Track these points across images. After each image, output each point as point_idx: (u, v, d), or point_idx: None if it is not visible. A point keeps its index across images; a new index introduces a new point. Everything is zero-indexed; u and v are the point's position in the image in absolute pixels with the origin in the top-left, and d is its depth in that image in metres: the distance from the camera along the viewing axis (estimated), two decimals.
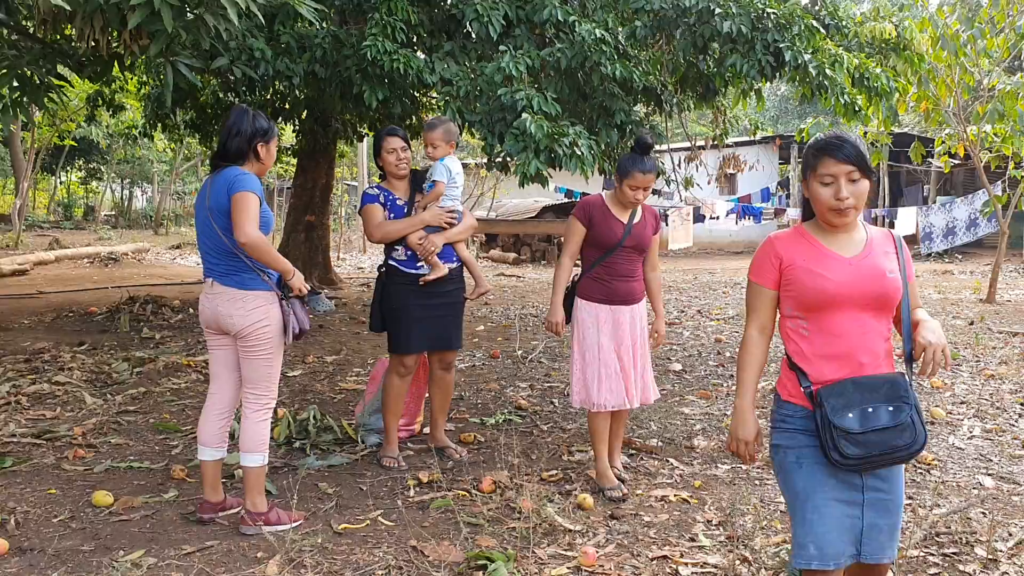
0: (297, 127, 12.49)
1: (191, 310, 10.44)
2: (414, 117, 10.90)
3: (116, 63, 6.64)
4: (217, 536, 3.87)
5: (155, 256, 20.59)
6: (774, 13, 6.27)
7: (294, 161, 15.60)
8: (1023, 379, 7.24)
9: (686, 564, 3.65)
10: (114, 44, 5.51)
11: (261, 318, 3.89)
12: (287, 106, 11.16)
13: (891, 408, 2.40)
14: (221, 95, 11.37)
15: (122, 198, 39.40)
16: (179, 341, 8.41)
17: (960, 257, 23.00)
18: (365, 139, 14.37)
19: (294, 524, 4.00)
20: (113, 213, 36.51)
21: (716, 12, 6.14)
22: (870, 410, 2.39)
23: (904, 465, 2.56)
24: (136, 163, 33.39)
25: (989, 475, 4.85)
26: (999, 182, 16.96)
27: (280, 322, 3.94)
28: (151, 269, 16.99)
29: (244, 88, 8.03)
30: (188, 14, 4.91)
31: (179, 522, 4.04)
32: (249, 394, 4.02)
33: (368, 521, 4.07)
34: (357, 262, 20.47)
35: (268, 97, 10.94)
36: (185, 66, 5.52)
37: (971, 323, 10.58)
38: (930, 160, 17.93)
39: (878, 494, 2.50)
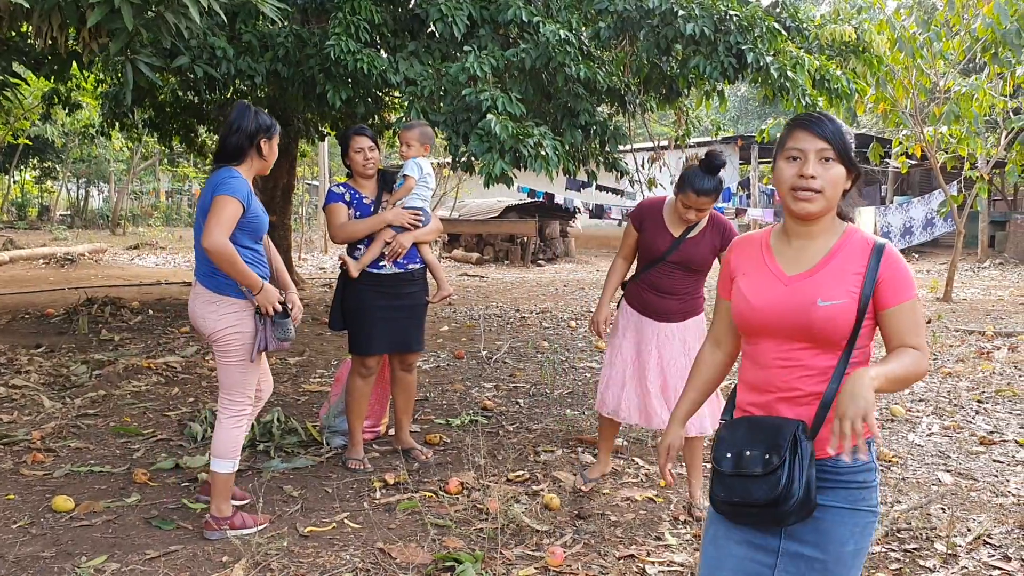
0: None
1: (151, 311, 10.31)
2: (376, 117, 10.85)
3: (74, 61, 6.53)
4: (181, 540, 3.82)
5: (113, 257, 20.27)
6: (736, 15, 6.32)
7: None
8: (979, 377, 7.38)
9: (653, 563, 3.67)
10: (72, 42, 5.42)
11: (232, 324, 3.82)
12: None
13: (767, 456, 2.00)
14: (180, 94, 11.23)
15: (78, 198, 38.76)
16: (139, 343, 8.29)
17: (917, 256, 23.37)
18: (327, 138, 14.28)
19: (259, 527, 3.97)
20: (69, 213, 35.87)
21: (679, 14, 6.19)
22: (747, 454, 2.04)
23: (853, 525, 2.06)
24: (92, 162, 32.85)
25: (948, 471, 4.94)
26: (955, 182, 17.26)
27: (253, 333, 3.86)
28: (109, 270, 16.73)
29: (204, 87, 7.94)
30: (148, 12, 4.84)
31: (142, 527, 3.98)
32: (224, 399, 3.95)
33: (334, 523, 4.05)
34: (319, 262, 20.32)
35: (229, 96, 10.82)
36: (145, 65, 5.43)
37: (928, 321, 10.76)
38: (888, 160, 18.19)
39: (800, 547, 2.08)
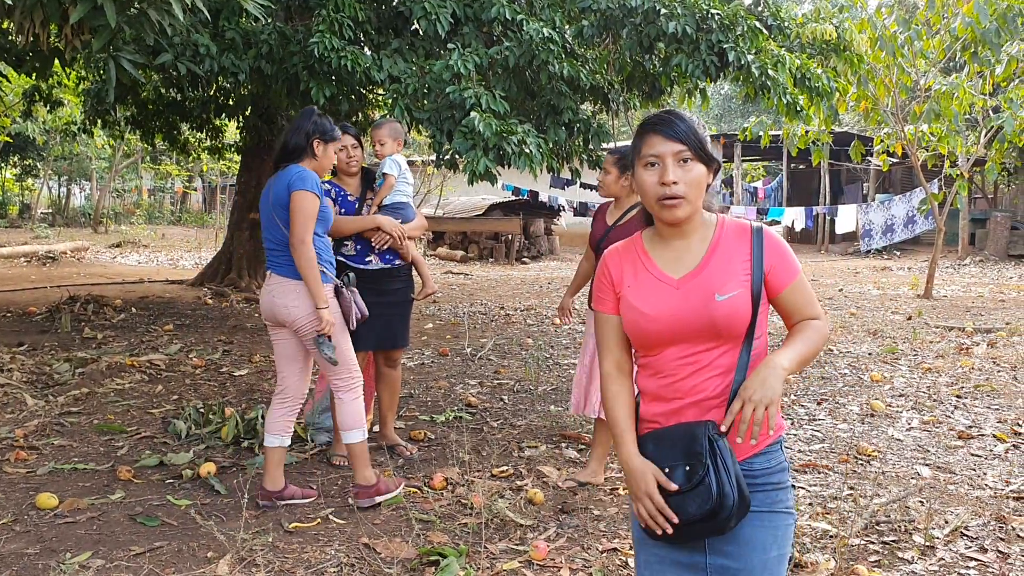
0: (241, 124, 12.35)
1: (134, 310, 10.28)
2: (360, 114, 10.85)
3: (57, 58, 6.50)
4: (166, 537, 3.83)
5: (95, 255, 20.17)
6: (718, 14, 6.36)
7: (238, 158, 15.42)
8: (959, 372, 7.46)
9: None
10: (55, 39, 5.40)
11: (314, 308, 4.01)
12: (231, 102, 11.03)
13: (687, 467, 1.91)
14: (163, 91, 11.20)
15: (59, 196, 38.50)
16: (122, 341, 8.27)
17: (898, 253, 23.58)
18: None
19: (400, 490, 4.26)
20: (50, 211, 35.59)
21: (662, 12, 6.22)
22: (667, 471, 1.93)
23: (773, 529, 2.00)
24: (74, 160, 32.64)
25: (927, 465, 5.00)
26: (935, 180, 17.41)
27: (338, 311, 4.12)
28: (91, 268, 16.64)
29: (188, 84, 7.92)
30: (131, 9, 4.83)
31: (126, 523, 3.98)
32: (334, 380, 4.18)
33: (319, 519, 4.06)
34: None
35: (212, 93, 10.80)
36: (128, 61, 5.42)
37: (909, 318, 10.86)
38: (869, 159, 18.32)
39: (725, 559, 1.99)
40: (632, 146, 2.07)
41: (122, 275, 14.95)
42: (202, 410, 5.64)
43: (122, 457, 4.93)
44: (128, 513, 4.10)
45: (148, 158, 32.32)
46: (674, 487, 1.92)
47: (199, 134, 13.62)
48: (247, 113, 11.51)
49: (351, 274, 4.35)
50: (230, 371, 7.16)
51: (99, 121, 11.65)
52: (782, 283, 2.00)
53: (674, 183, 1.95)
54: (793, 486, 4.48)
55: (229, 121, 12.57)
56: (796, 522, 2.08)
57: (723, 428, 1.89)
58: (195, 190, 41.09)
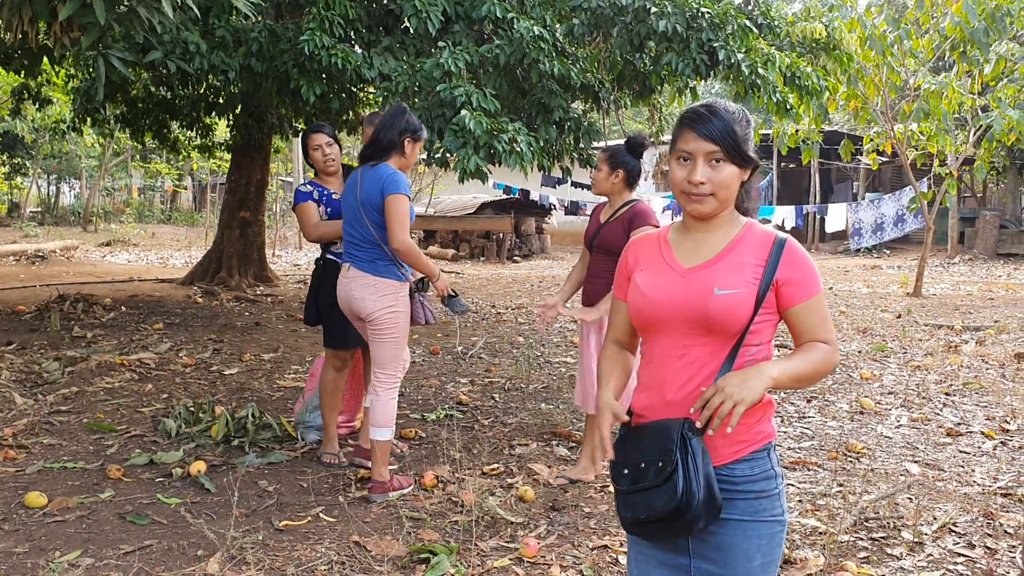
0: (231, 122, 12.33)
1: (123, 308, 10.25)
2: (351, 112, 10.84)
3: (45, 56, 6.48)
4: (156, 535, 3.82)
5: (84, 254, 20.10)
6: (708, 12, 6.37)
7: (228, 156, 15.40)
8: (948, 370, 7.49)
9: (626, 553, 3.71)
10: (43, 36, 5.37)
11: (390, 304, 4.25)
12: (221, 100, 11.00)
13: (660, 464, 1.89)
14: (153, 89, 11.16)
15: (49, 194, 38.36)
16: (111, 340, 8.24)
17: (888, 252, 23.66)
18: (301, 134, 14.22)
19: (410, 488, 4.38)
20: (39, 210, 35.46)
21: (652, 11, 6.23)
22: (642, 466, 1.92)
23: (757, 538, 1.97)
24: (63, 158, 32.52)
25: (915, 462, 5.02)
26: (924, 179, 17.48)
27: (408, 309, 4.35)
28: (80, 267, 16.58)
29: (178, 82, 7.90)
30: (121, 6, 4.81)
31: (116, 522, 3.97)
32: (379, 373, 4.32)
33: (309, 517, 4.06)
34: (293, 259, 20.26)
35: (202, 91, 10.77)
36: (118, 59, 5.39)
37: (899, 316, 10.91)
38: (859, 157, 18.39)
39: (708, 565, 1.99)
40: (671, 135, 2.05)
41: (112, 274, 14.91)
42: (192, 408, 5.63)
43: (112, 456, 4.92)
44: (118, 512, 4.09)
45: (138, 156, 32.19)
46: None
47: (189, 132, 13.59)
48: (237, 111, 11.49)
49: (425, 279, 4.51)
50: (220, 370, 7.14)
51: (88, 119, 11.61)
52: (795, 298, 1.97)
53: (701, 183, 1.94)
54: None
55: (219, 119, 12.55)
56: (786, 528, 2.01)
57: (691, 410, 1.88)
58: (185, 189, 40.97)
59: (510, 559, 3.62)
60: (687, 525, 1.88)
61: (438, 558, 3.54)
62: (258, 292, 12.46)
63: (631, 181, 4.50)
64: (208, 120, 12.65)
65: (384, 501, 4.26)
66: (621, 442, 2.04)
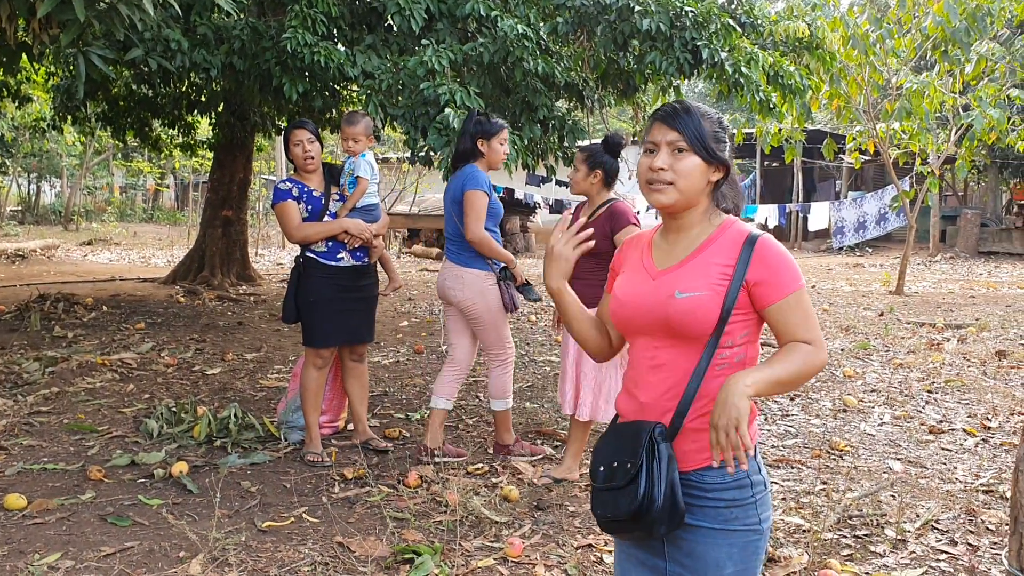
0: (214, 120, 12.26)
1: (105, 308, 10.17)
2: (334, 110, 10.79)
3: (24, 54, 6.41)
4: (137, 537, 3.79)
5: (65, 253, 19.95)
6: (692, 11, 6.38)
7: (210, 155, 15.31)
8: (929, 368, 7.53)
9: (610, 552, 3.71)
10: (22, 33, 5.31)
11: (476, 292, 4.68)
12: (203, 98, 10.94)
13: (628, 464, 1.90)
14: (134, 87, 11.08)
15: (29, 193, 38.01)
16: (93, 340, 8.18)
17: (870, 250, 23.79)
18: (283, 130, 14.16)
19: (537, 456, 4.94)
20: (20, 208, 35.14)
21: (636, 10, 6.22)
22: (615, 465, 1.94)
23: (728, 547, 1.94)
24: (44, 157, 32.22)
25: (898, 459, 5.05)
26: (907, 178, 17.57)
27: (498, 297, 4.72)
28: (62, 266, 16.45)
29: (159, 80, 7.84)
30: (101, 3, 4.76)
31: (97, 523, 3.93)
32: (489, 354, 4.90)
33: (292, 518, 4.04)
34: (276, 258, 20.17)
35: (184, 89, 10.70)
36: (98, 57, 5.34)
37: (881, 314, 10.97)
38: (841, 156, 18.47)
39: (682, 570, 1.98)
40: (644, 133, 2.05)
41: (93, 273, 14.79)
42: (174, 409, 5.59)
43: (93, 457, 4.88)
44: (99, 513, 4.06)
45: (119, 155, 31.96)
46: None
47: (171, 131, 13.51)
48: (220, 109, 11.42)
49: (507, 269, 4.78)
50: (202, 370, 7.10)
51: (69, 117, 11.51)
52: (769, 298, 1.91)
53: (661, 169, 1.94)
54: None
55: (201, 118, 12.48)
56: (765, 536, 1.98)
57: (714, 464, 1.84)
58: (167, 187, 40.72)
59: (494, 559, 3.61)
60: (647, 529, 1.89)
61: (422, 558, 3.52)
62: (241, 291, 12.40)
63: (609, 181, 4.51)
64: (190, 118, 12.58)
65: (509, 460, 4.89)
66: (602, 440, 2.05)
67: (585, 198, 4.61)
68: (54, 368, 6.84)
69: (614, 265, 2.18)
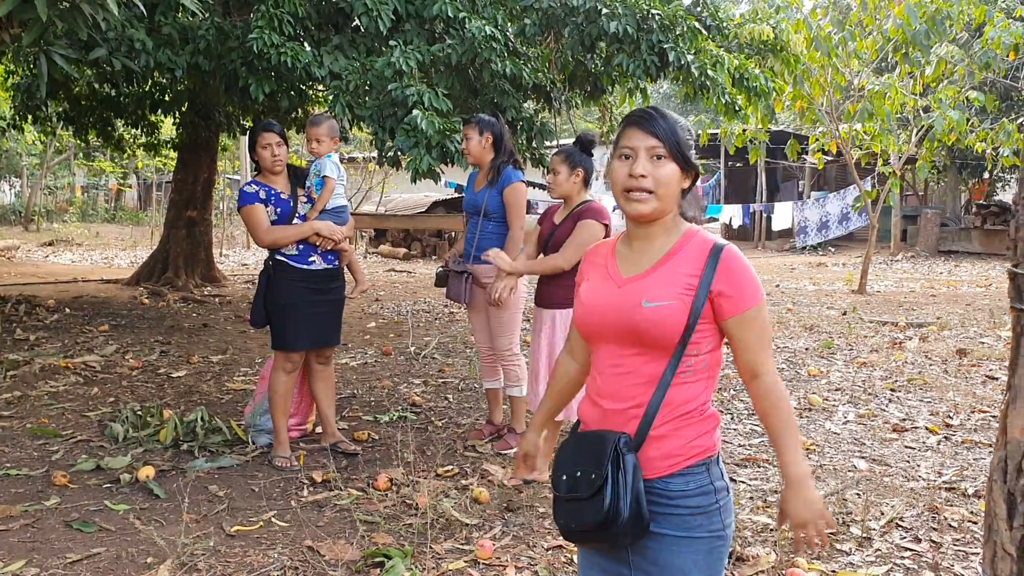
0: (178, 120, 12.13)
1: (68, 310, 10.03)
2: (299, 110, 10.73)
3: None
4: (103, 543, 3.74)
5: (26, 254, 19.63)
6: (659, 14, 6.42)
7: (174, 155, 15.14)
8: (892, 366, 7.64)
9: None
10: None
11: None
12: (167, 98, 10.82)
13: (593, 475, 1.90)
14: (97, 86, 10.93)
15: None
16: (55, 343, 8.06)
17: (833, 249, 24.07)
18: (249, 131, 14.03)
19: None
20: None
21: (603, 12, 6.26)
22: (578, 474, 1.94)
23: (692, 554, 1.94)
24: (3, 156, 31.69)
25: (862, 458, 5.11)
26: (868, 178, 17.81)
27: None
28: (22, 267, 16.18)
29: (123, 80, 7.75)
30: (63, 2, 4.70)
31: (62, 530, 3.88)
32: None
33: (261, 522, 4.01)
34: (240, 259, 20.00)
35: (147, 89, 10.58)
36: (60, 56, 5.27)
37: (844, 313, 11.10)
38: (804, 157, 18.68)
39: None
40: (614, 139, 2.04)
41: (55, 274, 14.57)
42: (139, 412, 5.53)
43: (57, 462, 4.81)
44: (64, 519, 4.00)
45: (81, 155, 31.50)
46: (543, 478, 2.11)
47: (134, 130, 13.34)
48: (184, 109, 11.30)
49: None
50: (168, 372, 7.03)
51: (30, 117, 11.32)
52: (729, 311, 1.93)
53: (642, 176, 1.93)
54: (733, 481, 4.55)
55: (165, 117, 12.34)
56: (728, 541, 2.00)
57: (801, 559, 1.88)
58: (130, 187, 40.22)
59: (465, 561, 3.62)
60: (613, 538, 1.91)
61: (392, 562, 3.52)
62: (205, 293, 12.29)
63: (588, 180, 4.54)
64: (154, 118, 12.44)
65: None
66: (564, 448, 2.05)
67: (561, 201, 4.63)
68: (16, 372, 6.73)
69: (580, 274, 2.17)
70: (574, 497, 1.93)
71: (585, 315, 2.04)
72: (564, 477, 1.97)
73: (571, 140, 4.85)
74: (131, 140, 14.63)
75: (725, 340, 2.01)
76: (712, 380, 2.00)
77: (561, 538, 3.83)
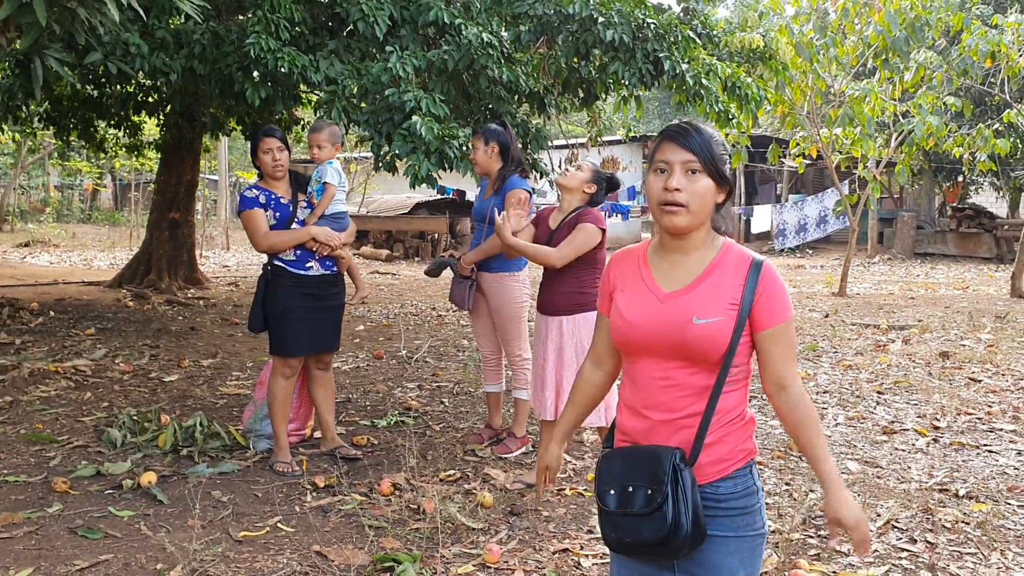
0: (161, 121, 12.06)
1: (52, 313, 9.96)
2: (285, 113, 10.70)
3: None
4: (111, 549, 3.75)
5: (2, 255, 19.42)
6: (654, 23, 6.48)
7: (154, 155, 15.06)
8: (878, 369, 7.76)
9: (587, 556, 3.78)
10: None
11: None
12: (151, 99, 10.75)
13: (649, 491, 1.94)
14: (79, 87, 10.84)
15: None
16: (43, 346, 8.01)
17: (811, 252, 24.28)
18: (250, 135, 13.95)
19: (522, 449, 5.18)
20: None
21: (599, 21, 6.31)
22: (630, 489, 1.97)
23: (739, 553, 2.02)
24: None
25: (855, 460, 5.20)
26: (846, 182, 18.01)
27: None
28: (0, 269, 16.02)
29: (116, 81, 7.71)
30: (56, 6, 4.67)
31: (67, 537, 3.88)
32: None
33: (268, 528, 4.03)
34: (221, 260, 19.90)
35: (131, 90, 10.51)
36: (55, 60, 5.25)
37: (826, 316, 11.23)
38: (783, 160, 18.86)
39: None
40: (650, 153, 2.07)
41: (34, 276, 14.43)
42: (136, 418, 5.51)
43: (56, 468, 4.80)
44: (68, 526, 4.00)
45: (56, 154, 31.16)
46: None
47: (116, 131, 13.24)
48: (168, 111, 11.23)
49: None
50: (159, 376, 7.01)
51: (9, 117, 11.20)
52: (764, 323, 1.99)
53: (676, 190, 1.96)
54: None
55: (149, 118, 12.26)
56: (765, 538, 2.08)
57: (853, 558, 1.96)
58: (105, 187, 39.83)
59: (474, 565, 3.66)
60: (673, 552, 1.96)
61: (403, 566, 3.55)
62: (189, 295, 12.24)
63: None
64: (137, 119, 12.36)
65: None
66: (606, 461, 2.09)
67: (554, 204, 4.71)
68: (4, 376, 6.69)
69: (608, 283, 2.19)
70: (627, 513, 1.97)
71: (627, 329, 2.06)
72: (612, 492, 2.01)
73: (561, 144, 4.93)
74: (113, 141, 14.52)
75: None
76: (748, 386, 2.08)
77: (566, 541, 3.90)
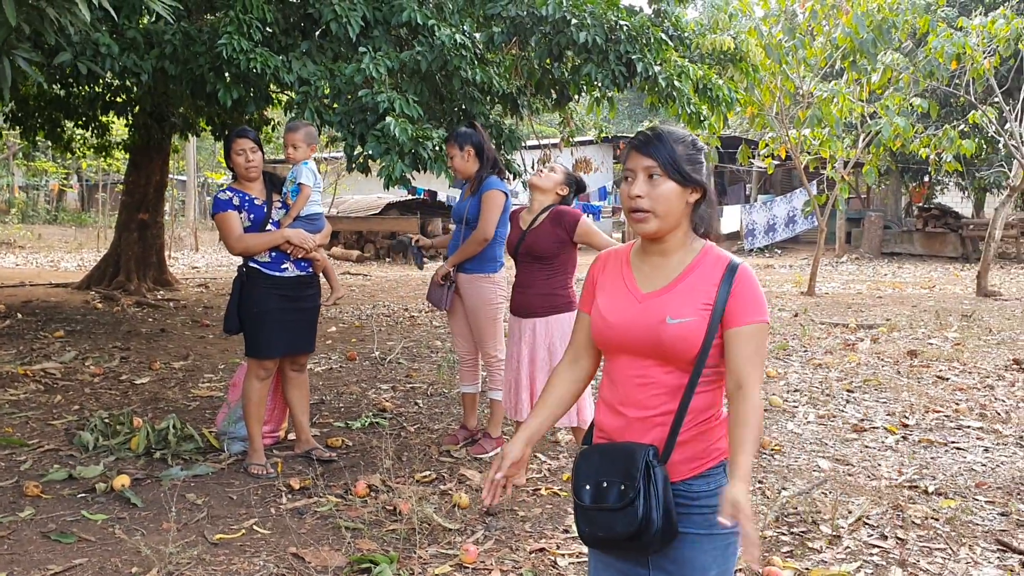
0: (130, 122, 11.94)
1: (19, 315, 9.84)
2: (256, 113, 10.64)
3: None
4: (84, 553, 3.72)
5: None
6: (627, 25, 6.52)
7: (122, 155, 14.90)
8: (847, 367, 7.86)
9: (563, 555, 3.80)
10: None
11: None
12: (119, 99, 10.64)
13: (622, 487, 1.97)
14: (46, 87, 10.71)
15: None
16: (10, 349, 7.91)
17: (780, 252, 24.51)
18: (224, 136, 13.85)
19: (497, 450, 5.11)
20: None
21: (572, 23, 6.34)
22: (604, 485, 2.00)
23: (712, 550, 2.05)
24: None
25: (825, 458, 5.27)
26: (814, 182, 18.20)
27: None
28: None
29: (86, 81, 7.62)
30: (27, 5, 4.62)
31: (40, 541, 3.84)
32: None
33: (243, 530, 4.02)
34: (190, 261, 19.74)
35: (99, 90, 10.40)
36: (24, 60, 5.19)
37: (796, 315, 11.35)
38: (752, 161, 19.02)
39: (663, 575, 2.08)
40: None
41: (0, 278, 14.24)
42: (108, 420, 5.46)
43: (27, 472, 4.74)
44: (40, 530, 3.96)
45: (22, 154, 30.75)
46: (521, 481, 2.09)
47: (84, 132, 13.10)
48: (136, 111, 11.13)
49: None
50: (130, 379, 6.95)
51: None
52: (733, 321, 2.00)
53: (637, 196, 2.01)
54: None
55: (117, 118, 12.13)
56: (739, 536, 2.09)
57: (721, 520, 1.85)
58: (72, 188, 39.35)
59: (451, 566, 3.67)
60: (645, 546, 2.00)
61: (380, 568, 3.56)
62: (159, 297, 12.14)
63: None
64: (105, 119, 12.23)
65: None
66: (584, 457, 2.11)
67: (524, 205, 4.76)
68: None
69: (592, 281, 2.22)
70: (601, 507, 2.00)
71: (607, 329, 2.10)
72: (588, 487, 2.03)
73: (533, 144, 4.98)
74: (81, 142, 14.36)
75: None
76: (723, 388, 2.08)
77: (543, 541, 3.93)
